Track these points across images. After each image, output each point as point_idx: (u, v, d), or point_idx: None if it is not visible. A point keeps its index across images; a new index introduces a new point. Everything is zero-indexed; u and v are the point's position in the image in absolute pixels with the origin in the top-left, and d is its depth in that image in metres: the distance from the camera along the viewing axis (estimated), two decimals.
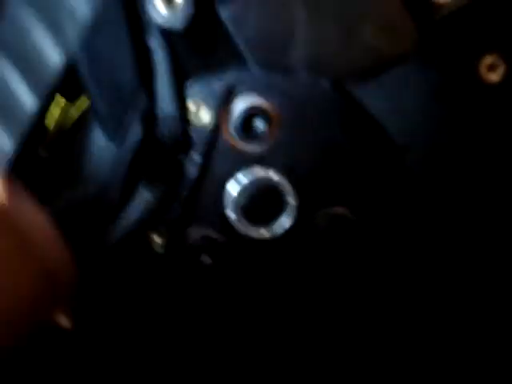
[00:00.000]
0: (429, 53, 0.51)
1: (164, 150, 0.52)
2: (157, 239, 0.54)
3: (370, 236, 0.54)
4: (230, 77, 0.51)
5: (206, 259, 0.54)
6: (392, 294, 0.56)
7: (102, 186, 0.51)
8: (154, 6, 0.46)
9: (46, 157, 0.58)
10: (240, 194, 0.53)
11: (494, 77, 0.49)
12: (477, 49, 0.51)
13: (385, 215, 0.54)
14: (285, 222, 0.54)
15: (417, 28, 0.48)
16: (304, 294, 0.56)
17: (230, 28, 0.49)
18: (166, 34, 0.48)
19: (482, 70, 0.50)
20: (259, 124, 0.52)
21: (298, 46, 0.50)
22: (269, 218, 0.54)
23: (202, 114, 0.52)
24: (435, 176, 0.53)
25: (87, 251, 0.50)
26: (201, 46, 0.50)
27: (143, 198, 0.51)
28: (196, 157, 0.52)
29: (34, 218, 0.34)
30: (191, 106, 0.52)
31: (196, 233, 0.54)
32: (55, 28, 0.32)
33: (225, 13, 0.49)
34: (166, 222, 0.53)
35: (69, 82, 0.49)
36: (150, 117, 0.50)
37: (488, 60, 0.50)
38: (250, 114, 0.52)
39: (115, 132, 0.50)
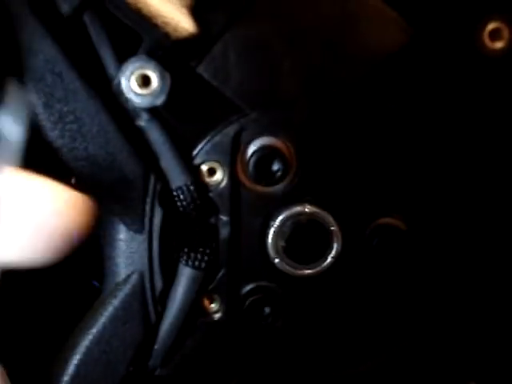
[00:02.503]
0: (425, 38, 0.48)
1: (190, 222, 0.51)
2: (213, 307, 0.53)
3: (423, 240, 0.52)
4: (233, 128, 0.50)
5: (267, 310, 0.53)
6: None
7: (139, 277, 0.49)
8: (131, 91, 0.45)
9: None
10: (278, 236, 0.51)
11: (499, 44, 0.45)
12: (477, 16, 0.47)
13: (434, 215, 0.52)
14: (334, 250, 0.52)
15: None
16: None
17: (216, 84, 0.47)
18: (155, 112, 0.47)
19: (485, 37, 0.46)
20: (276, 163, 0.50)
21: (287, 77, 0.48)
22: (317, 253, 0.52)
23: (217, 173, 0.50)
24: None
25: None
26: (192, 111, 0.48)
27: (186, 275, 0.50)
28: (224, 216, 0.51)
29: None
30: (203, 169, 0.50)
31: (249, 289, 0.53)
32: None
33: (207, 73, 0.47)
34: (218, 288, 0.52)
35: None
36: (166, 196, 0.49)
37: (491, 26, 0.46)
38: (265, 156, 0.50)
39: (139, 223, 0.48)
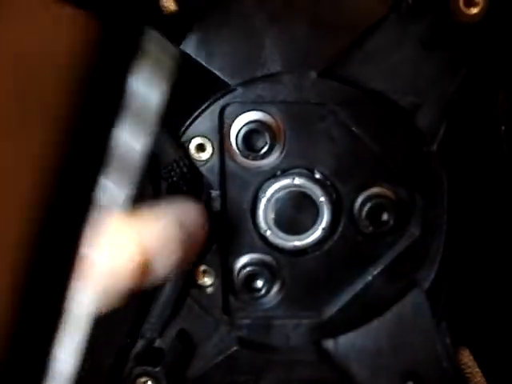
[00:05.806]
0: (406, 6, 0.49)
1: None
2: (206, 281, 0.54)
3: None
4: (219, 104, 0.51)
5: (260, 283, 0.54)
6: None
7: None
8: None
9: None
10: (268, 209, 0.53)
11: (474, 10, 0.46)
12: None
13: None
14: (324, 221, 0.53)
15: None
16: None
17: (201, 60, 0.49)
18: None
19: (461, 4, 0.47)
20: (263, 137, 0.52)
21: (271, 51, 0.49)
22: (307, 224, 0.53)
23: (206, 149, 0.52)
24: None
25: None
26: (179, 88, 0.49)
27: None
28: (214, 191, 0.52)
29: None
30: (192, 145, 0.51)
31: (243, 262, 0.54)
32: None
33: (190, 49, 0.49)
34: (211, 262, 0.53)
35: None
36: (156, 172, 0.51)
37: None
38: (252, 130, 0.51)
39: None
